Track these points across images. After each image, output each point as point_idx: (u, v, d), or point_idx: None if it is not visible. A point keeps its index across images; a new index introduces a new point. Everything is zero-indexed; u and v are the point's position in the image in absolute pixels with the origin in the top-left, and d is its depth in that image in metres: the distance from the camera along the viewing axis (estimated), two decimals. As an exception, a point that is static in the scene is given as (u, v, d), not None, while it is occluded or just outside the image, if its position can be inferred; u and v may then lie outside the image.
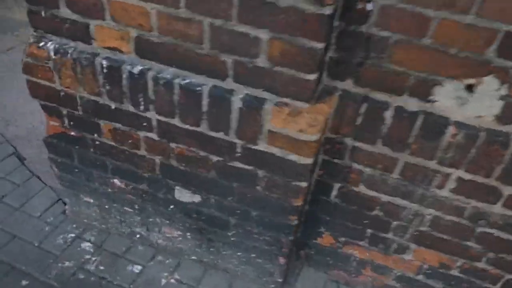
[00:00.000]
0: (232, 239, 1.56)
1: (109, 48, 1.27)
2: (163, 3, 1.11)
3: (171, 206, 1.58)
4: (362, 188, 1.41)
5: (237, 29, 1.08)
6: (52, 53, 1.32)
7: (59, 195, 1.97)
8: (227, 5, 1.05)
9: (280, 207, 1.37)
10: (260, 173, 1.31)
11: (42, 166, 2.14)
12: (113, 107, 1.37)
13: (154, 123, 1.34)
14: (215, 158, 1.34)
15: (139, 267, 1.71)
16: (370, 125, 1.25)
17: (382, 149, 1.28)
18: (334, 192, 1.46)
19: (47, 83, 1.41)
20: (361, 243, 1.56)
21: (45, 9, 1.27)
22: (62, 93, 1.41)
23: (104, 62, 1.27)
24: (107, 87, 1.32)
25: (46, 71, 1.37)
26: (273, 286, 1.65)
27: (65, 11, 1.25)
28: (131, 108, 1.34)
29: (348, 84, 1.22)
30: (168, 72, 1.24)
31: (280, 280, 1.62)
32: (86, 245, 1.77)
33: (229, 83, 1.19)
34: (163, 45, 1.19)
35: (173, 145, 1.37)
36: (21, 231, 1.79)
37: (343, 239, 1.59)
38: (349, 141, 1.31)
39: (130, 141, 1.44)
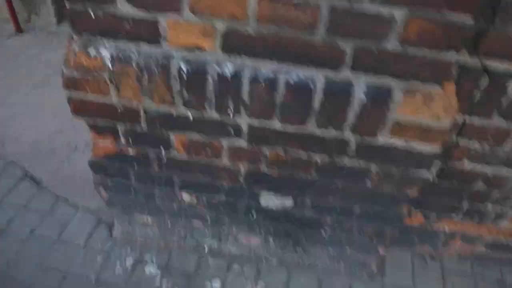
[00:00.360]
0: (324, 236, 1.44)
1: (186, 47, 1.03)
2: (268, -15, 0.89)
3: (253, 214, 1.41)
4: (465, 163, 1.31)
5: (366, 11, 0.89)
6: (108, 62, 1.06)
7: (99, 217, 1.73)
8: (357, -18, 0.86)
9: (390, 199, 1.25)
10: (373, 167, 1.17)
11: (64, 185, 1.88)
12: (190, 116, 1.14)
13: (244, 128, 1.14)
14: (318, 158, 1.18)
15: (219, 281, 1.55)
16: (488, 99, 1.13)
17: (497, 121, 1.18)
18: (433, 171, 1.36)
19: (99, 98, 1.15)
20: (454, 217, 1.50)
21: (96, 7, 0.99)
22: (120, 108, 1.16)
23: (183, 66, 1.04)
24: (185, 95, 1.09)
25: (99, 83, 1.11)
26: (366, 277, 1.56)
27: (124, 8, 0.98)
28: (215, 116, 1.13)
29: (464, 56, 1.07)
30: (267, 68, 1.03)
31: (375, 270, 1.53)
32: (150, 269, 1.58)
33: (344, 73, 1.01)
34: (262, 37, 0.98)
35: (265, 149, 1.19)
36: (70, 266, 1.56)
37: (434, 216, 1.51)
38: (459, 118, 1.19)
39: (208, 151, 1.23)
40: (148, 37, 1.03)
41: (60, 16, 2.99)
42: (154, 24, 1.00)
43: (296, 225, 1.42)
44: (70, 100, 1.18)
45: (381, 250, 1.45)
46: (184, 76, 1.05)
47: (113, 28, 1.03)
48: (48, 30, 3.00)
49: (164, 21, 0.99)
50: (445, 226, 1.55)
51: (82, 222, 1.72)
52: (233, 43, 1.01)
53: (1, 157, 1.99)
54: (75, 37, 1.07)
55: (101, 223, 1.72)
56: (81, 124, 2.17)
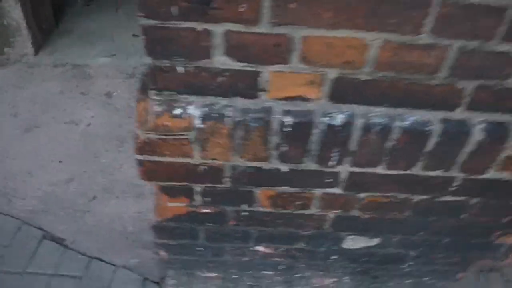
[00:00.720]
0: (405, 270, 1.38)
1: (288, 98, 0.92)
2: (397, 30, 0.80)
3: (333, 257, 1.32)
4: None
5: (497, 49, 0.84)
6: (197, 121, 0.93)
7: (143, 274, 1.57)
8: (493, 22, 0.79)
9: (482, 228, 1.22)
10: (473, 201, 1.12)
11: (92, 242, 1.69)
12: (283, 170, 1.03)
13: (343, 176, 1.05)
14: (418, 198, 1.11)
15: (292, 330, 1.45)
16: None
17: None
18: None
19: (179, 160, 1.01)
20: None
21: (187, 62, 0.86)
22: (201, 168, 1.03)
23: (286, 119, 0.92)
24: (283, 149, 0.98)
25: (182, 145, 0.97)
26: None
27: (222, 61, 0.85)
28: (313, 167, 1.03)
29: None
30: (378, 114, 0.94)
31: (450, 293, 1.50)
32: (215, 326, 1.44)
33: (461, 113, 0.95)
34: (375, 83, 0.89)
35: (362, 195, 1.11)
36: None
37: (498, 232, 1.51)
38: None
39: (297, 203, 1.13)
40: (244, 91, 0.91)
41: (38, 45, 2.70)
42: (254, 77, 0.89)
43: (378, 263, 1.35)
44: (141, 164, 1.03)
45: (460, 275, 1.42)
46: (286, 129, 0.94)
47: (204, 84, 0.90)
48: (26, 62, 2.70)
49: (267, 72, 0.88)
50: (507, 240, 1.55)
51: (126, 282, 1.54)
52: (342, 91, 0.91)
53: (11, 216, 1.74)
54: (155, 95, 0.92)
55: (147, 281, 1.55)
56: (94, 169, 1.99)
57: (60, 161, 2.03)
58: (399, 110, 0.94)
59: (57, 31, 2.98)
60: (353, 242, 1.27)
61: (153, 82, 0.90)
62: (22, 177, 1.93)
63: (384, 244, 1.27)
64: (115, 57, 2.82)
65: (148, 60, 0.86)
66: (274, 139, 0.96)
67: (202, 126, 0.93)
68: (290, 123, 0.93)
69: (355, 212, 1.16)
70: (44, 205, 1.82)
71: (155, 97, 0.93)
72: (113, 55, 2.84)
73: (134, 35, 3.04)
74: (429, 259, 1.34)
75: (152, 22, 0.80)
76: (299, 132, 0.95)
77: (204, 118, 0.92)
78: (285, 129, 0.94)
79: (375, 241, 1.26)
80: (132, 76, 2.67)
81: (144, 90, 0.95)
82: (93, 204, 1.84)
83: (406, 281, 1.44)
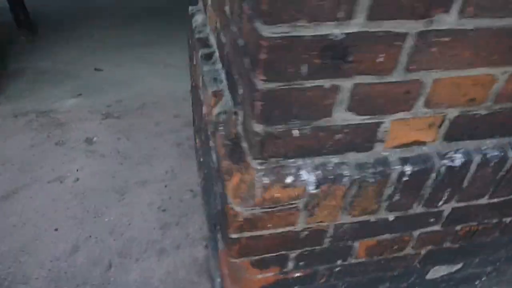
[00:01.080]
0: (476, 285, 1.36)
1: (403, 145, 0.83)
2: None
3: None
4: None
5: None
6: (311, 186, 0.80)
7: None
8: None
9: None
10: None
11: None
12: (390, 219, 0.94)
13: (446, 213, 0.98)
14: (508, 220, 1.08)
15: None
16: None
17: None
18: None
19: (279, 231, 0.87)
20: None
21: (304, 123, 0.73)
22: (304, 233, 0.90)
23: (407, 168, 0.83)
24: (396, 198, 0.89)
25: (288, 215, 0.84)
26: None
27: (343, 117, 0.74)
28: (420, 210, 0.94)
29: None
30: (489, 146, 0.89)
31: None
32: None
33: None
34: (492, 116, 0.84)
35: (458, 227, 1.05)
36: None
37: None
38: None
39: (394, 248, 1.04)
40: (359, 145, 0.80)
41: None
42: (374, 129, 0.78)
43: (452, 286, 1.31)
44: (236, 243, 0.87)
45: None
46: (404, 179, 0.85)
47: (319, 144, 0.77)
48: (-23, 115, 2.32)
49: (388, 122, 0.78)
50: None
51: None
52: (459, 129, 0.84)
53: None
54: (259, 164, 0.78)
55: None
56: (100, 231, 1.74)
57: (55, 229, 1.75)
58: (507, 139, 0.90)
59: (5, 73, 2.61)
60: (435, 272, 1.21)
61: (259, 151, 0.76)
62: (16, 257, 1.63)
63: (465, 267, 1.23)
64: (82, 97, 2.54)
65: (257, 127, 0.72)
66: (389, 190, 0.86)
67: (315, 191, 0.81)
68: (409, 172, 0.84)
69: (446, 244, 1.10)
70: (53, 285, 1.55)
71: (260, 167, 0.78)
72: (79, 94, 2.55)
73: (96, 69, 2.76)
74: (502, 272, 1.32)
75: (274, 85, 0.66)
76: (417, 179, 0.86)
77: (319, 182, 0.80)
78: (403, 179, 0.85)
79: (457, 267, 1.22)
80: (108, 116, 2.41)
81: (237, 159, 0.80)
82: (112, 274, 1.60)
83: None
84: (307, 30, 0.61)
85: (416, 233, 1.02)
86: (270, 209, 0.81)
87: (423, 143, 0.84)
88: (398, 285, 1.22)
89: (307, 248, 0.95)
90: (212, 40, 1.16)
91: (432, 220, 0.99)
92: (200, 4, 1.36)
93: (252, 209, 0.80)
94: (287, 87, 0.67)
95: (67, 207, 1.84)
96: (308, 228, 0.89)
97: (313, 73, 0.66)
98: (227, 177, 0.82)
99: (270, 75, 0.65)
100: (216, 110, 0.93)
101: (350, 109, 0.73)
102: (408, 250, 1.07)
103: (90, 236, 1.72)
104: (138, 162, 2.12)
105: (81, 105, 2.45)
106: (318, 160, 0.81)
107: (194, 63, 1.31)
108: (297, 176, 0.79)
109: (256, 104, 0.68)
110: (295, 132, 0.74)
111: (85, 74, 2.71)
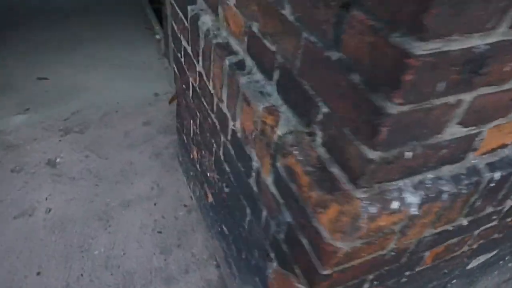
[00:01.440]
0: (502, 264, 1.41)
1: (492, 150, 0.79)
2: None
3: (454, 281, 1.27)
4: None
5: None
6: (415, 208, 0.73)
7: None
8: None
9: None
10: None
11: None
12: (464, 224, 0.91)
13: (506, 209, 0.98)
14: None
15: None
16: None
17: None
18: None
19: (369, 258, 0.80)
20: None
21: (417, 144, 0.65)
22: (390, 254, 0.83)
23: (496, 174, 0.80)
24: (477, 204, 0.85)
25: (384, 240, 0.77)
26: None
27: (452, 132, 0.68)
28: (489, 210, 0.93)
29: None
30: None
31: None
32: None
33: None
34: None
35: (509, 219, 1.06)
36: None
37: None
38: None
39: (456, 249, 1.02)
40: (456, 156, 0.75)
41: None
42: (473, 139, 0.73)
43: (482, 268, 1.34)
44: (327, 278, 0.78)
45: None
46: (491, 185, 0.81)
47: (423, 163, 0.70)
48: None
49: (485, 130, 0.73)
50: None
51: None
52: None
53: None
54: (363, 193, 0.69)
55: None
56: (92, 268, 1.52)
57: (37, 273, 1.49)
58: None
59: None
60: (476, 261, 1.23)
61: (368, 179, 0.66)
62: None
63: (499, 252, 1.27)
64: (30, 112, 2.20)
65: (372, 154, 0.62)
66: (473, 198, 0.83)
67: (417, 212, 0.74)
68: (498, 178, 0.80)
69: (494, 236, 1.11)
70: None
71: (364, 195, 0.69)
72: (26, 109, 2.20)
73: (39, 78, 2.41)
74: None
75: (407, 107, 0.57)
76: (502, 183, 0.83)
77: (422, 203, 0.73)
78: (490, 185, 0.81)
79: (493, 253, 1.25)
80: (68, 131, 2.11)
81: (329, 188, 0.70)
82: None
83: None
84: (457, 44, 0.52)
85: (477, 231, 1.01)
86: (371, 239, 0.73)
87: (505, 146, 0.81)
88: (443, 281, 1.21)
89: (386, 268, 0.89)
90: (235, 46, 1.03)
91: (494, 217, 0.98)
92: (202, 3, 1.19)
93: (353, 242, 0.71)
94: (418, 108, 0.58)
95: (45, 244, 1.59)
96: (395, 248, 0.83)
97: (447, 90, 0.58)
98: (320, 210, 0.71)
99: (408, 98, 0.55)
100: (280, 130, 0.81)
101: (461, 122, 0.67)
102: (465, 248, 1.06)
103: (82, 275, 1.50)
104: (116, 180, 1.89)
105: (32, 122, 2.12)
106: (416, 178, 0.74)
107: (211, 69, 1.15)
108: (401, 199, 0.71)
109: (381, 130, 0.59)
110: (408, 154, 0.66)
111: (29, 85, 2.35)
